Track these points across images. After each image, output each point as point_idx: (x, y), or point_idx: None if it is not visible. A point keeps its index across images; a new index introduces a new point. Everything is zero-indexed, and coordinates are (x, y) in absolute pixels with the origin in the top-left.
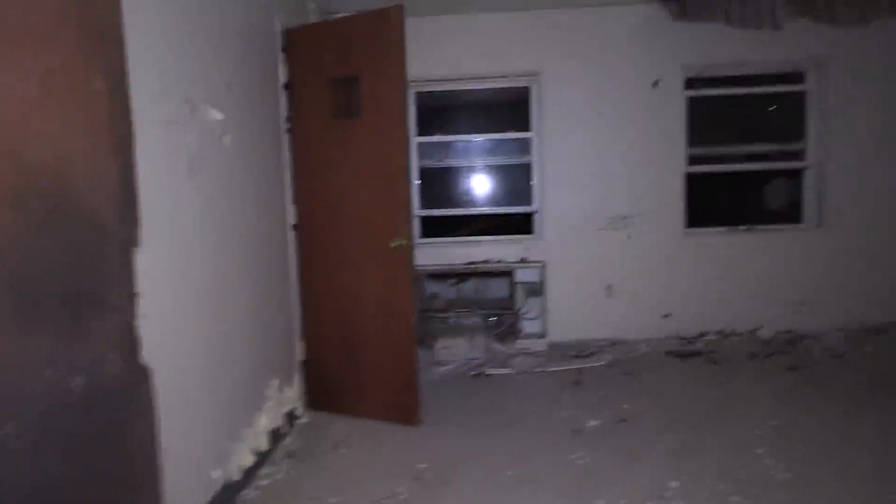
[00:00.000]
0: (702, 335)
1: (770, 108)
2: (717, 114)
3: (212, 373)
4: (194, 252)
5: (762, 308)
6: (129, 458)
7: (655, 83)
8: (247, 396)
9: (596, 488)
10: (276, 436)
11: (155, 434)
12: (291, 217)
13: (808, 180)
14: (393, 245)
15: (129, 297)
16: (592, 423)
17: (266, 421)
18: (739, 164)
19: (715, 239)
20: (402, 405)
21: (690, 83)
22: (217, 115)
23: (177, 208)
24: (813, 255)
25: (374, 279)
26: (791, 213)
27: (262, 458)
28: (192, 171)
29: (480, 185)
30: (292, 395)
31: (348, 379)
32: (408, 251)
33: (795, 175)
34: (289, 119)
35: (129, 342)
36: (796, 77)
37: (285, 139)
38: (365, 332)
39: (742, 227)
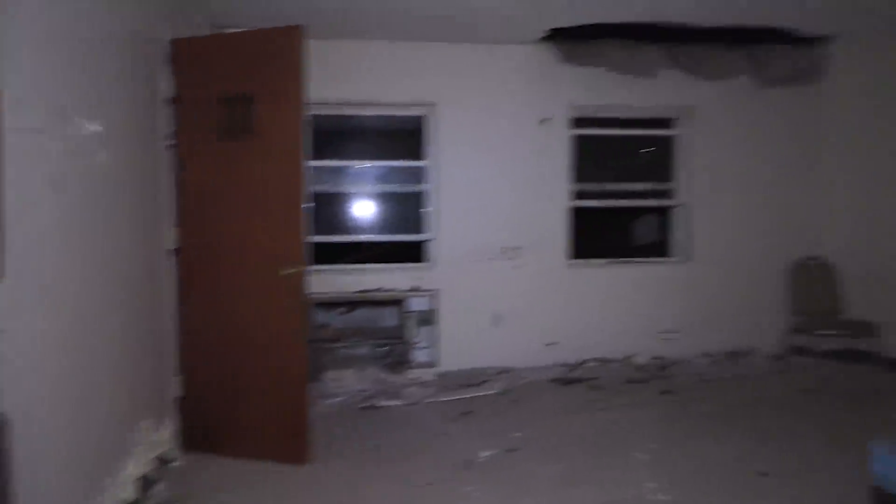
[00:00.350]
0: (583, 362)
1: (645, 150)
2: (598, 152)
3: (72, 417)
4: (56, 281)
5: (637, 336)
6: None
7: (544, 120)
8: (113, 441)
9: None
10: (146, 483)
11: (9, 492)
12: (170, 242)
13: (677, 218)
14: (286, 273)
15: None
16: (484, 454)
17: (135, 467)
18: (618, 201)
19: (595, 270)
20: (290, 443)
21: (576, 122)
22: (92, 127)
23: (38, 230)
24: (681, 287)
25: (263, 308)
26: (663, 248)
27: None
28: (58, 189)
29: (373, 212)
30: (165, 436)
31: (231, 416)
32: (301, 279)
33: (667, 212)
34: (172, 136)
35: None
36: (668, 122)
37: (166, 157)
38: (251, 365)
39: (619, 260)
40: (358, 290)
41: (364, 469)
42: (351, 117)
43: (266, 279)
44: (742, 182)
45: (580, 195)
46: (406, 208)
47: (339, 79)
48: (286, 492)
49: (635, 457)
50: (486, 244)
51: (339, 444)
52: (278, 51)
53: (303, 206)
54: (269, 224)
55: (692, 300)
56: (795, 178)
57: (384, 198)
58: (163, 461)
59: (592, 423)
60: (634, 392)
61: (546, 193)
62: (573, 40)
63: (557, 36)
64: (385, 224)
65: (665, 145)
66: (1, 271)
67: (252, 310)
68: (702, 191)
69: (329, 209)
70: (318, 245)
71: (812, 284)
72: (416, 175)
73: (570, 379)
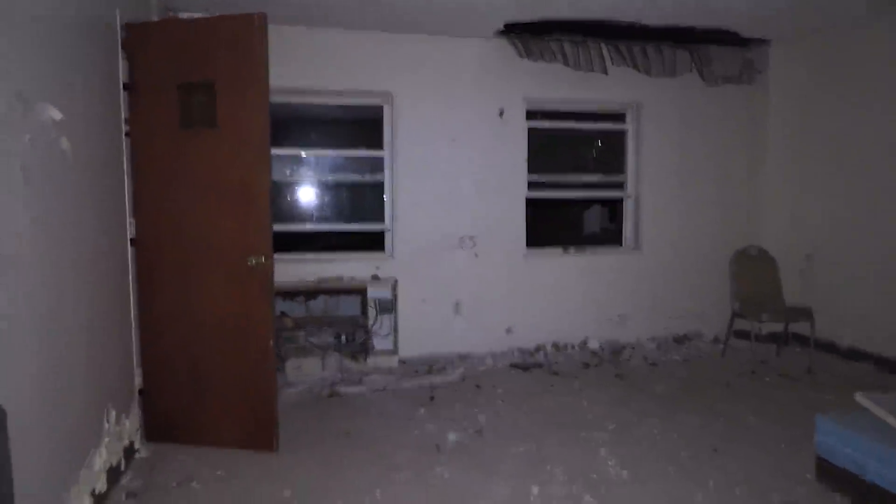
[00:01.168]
0: (540, 348)
1: (597, 143)
2: (553, 145)
3: (43, 406)
4: (24, 269)
5: (590, 321)
6: None
7: (501, 112)
8: (83, 431)
9: (463, 501)
10: (114, 474)
11: (10, 480)
12: (131, 231)
13: (627, 208)
14: (251, 262)
15: None
16: (452, 437)
17: (104, 458)
18: (572, 191)
19: (551, 259)
20: (257, 431)
21: (531, 115)
22: (56, 115)
23: (13, 222)
24: (630, 274)
25: (227, 298)
26: (614, 238)
27: (100, 500)
28: (26, 179)
29: (332, 201)
30: (130, 427)
31: (195, 406)
32: (267, 269)
33: (619, 202)
34: (128, 123)
35: None
36: (620, 117)
37: (125, 145)
38: (215, 355)
39: (572, 249)
40: (317, 278)
41: (334, 455)
42: (308, 106)
43: (232, 269)
44: (688, 175)
45: (536, 186)
46: (365, 198)
47: (296, 66)
48: (258, 479)
49: (595, 436)
50: (445, 233)
51: (306, 432)
52: (240, 38)
53: (268, 195)
54: (235, 214)
55: (641, 287)
56: (737, 172)
57: (342, 187)
58: (128, 452)
59: (553, 406)
60: (590, 376)
61: (503, 184)
62: (528, 35)
63: (513, 30)
64: (344, 213)
65: (617, 138)
66: None
67: (216, 300)
68: (650, 183)
69: (286, 198)
70: (277, 234)
71: (752, 272)
72: (375, 165)
73: (529, 364)
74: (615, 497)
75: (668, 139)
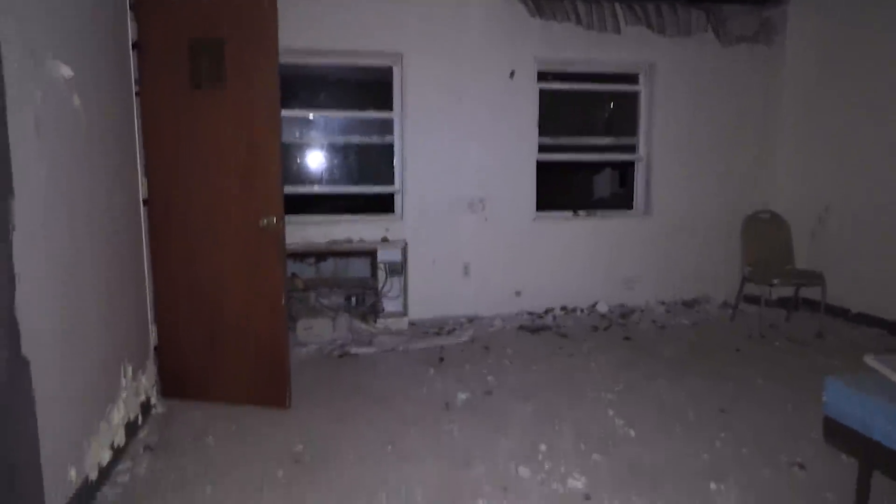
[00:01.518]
0: (549, 311)
1: (609, 106)
2: (564, 107)
3: (64, 360)
4: (41, 225)
5: (599, 285)
6: (15, 449)
7: (512, 73)
8: (101, 386)
9: (473, 456)
10: (131, 428)
11: (35, 425)
12: (143, 191)
13: (638, 171)
14: (263, 223)
15: (10, 280)
16: (461, 396)
17: (122, 412)
18: (583, 154)
19: (560, 222)
20: (270, 388)
21: (542, 76)
22: (67, 72)
23: (21, 175)
24: (640, 238)
25: (240, 259)
26: (624, 201)
27: (118, 453)
28: (39, 133)
29: (341, 163)
30: (146, 383)
31: (209, 363)
32: (278, 230)
33: (630, 166)
34: (138, 83)
35: (12, 330)
36: (632, 78)
37: (135, 105)
38: (229, 313)
39: (583, 212)
40: (328, 240)
41: (345, 412)
42: (317, 67)
43: (243, 229)
44: (700, 138)
45: (546, 148)
46: (374, 160)
47: (305, 27)
48: (270, 434)
49: (603, 396)
50: (455, 196)
51: (319, 389)
52: None
53: (279, 156)
54: (246, 174)
55: (651, 251)
56: (751, 134)
57: (351, 150)
58: (145, 407)
59: (561, 368)
60: (598, 338)
61: (513, 146)
62: None
63: None
64: (353, 176)
65: (629, 101)
66: (13, 222)
67: (228, 259)
68: (662, 146)
69: (296, 161)
70: (287, 196)
71: (763, 237)
72: (385, 127)
73: (538, 326)
74: (622, 454)
75: (681, 101)
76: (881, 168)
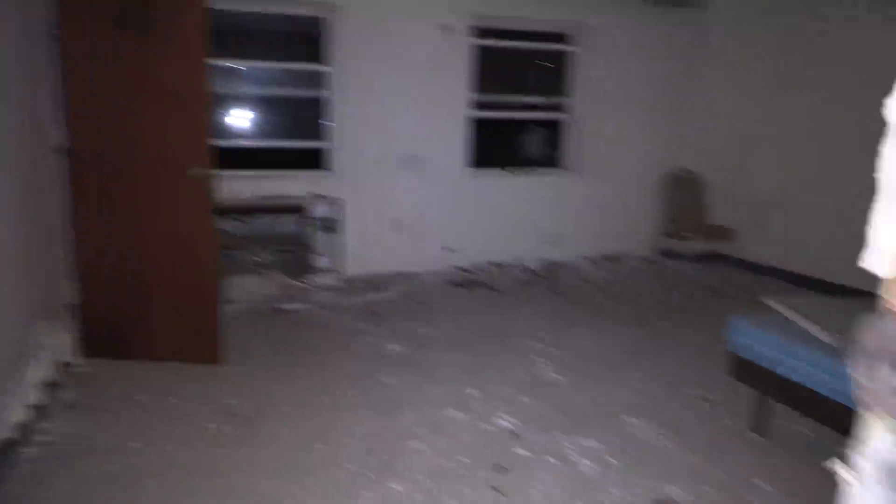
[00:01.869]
0: (479, 266)
1: (542, 65)
2: (498, 65)
3: None
4: None
5: (529, 241)
6: None
7: (447, 29)
8: (14, 345)
9: (406, 404)
10: (52, 388)
11: None
12: (60, 139)
13: (568, 131)
14: (192, 174)
15: None
16: (394, 347)
17: (40, 371)
18: (516, 113)
19: (491, 180)
20: (201, 344)
21: (477, 32)
22: None
23: None
24: (568, 196)
25: (168, 211)
26: (553, 160)
27: (39, 413)
28: None
29: (274, 117)
30: (66, 341)
31: (137, 321)
32: (208, 179)
33: (559, 125)
34: (57, 24)
35: None
36: (565, 38)
37: (50, 47)
38: (157, 269)
39: (514, 170)
40: (259, 196)
41: (279, 366)
42: (250, 15)
43: (173, 180)
44: (629, 98)
45: (481, 106)
46: (308, 115)
47: None
48: (203, 389)
49: (531, 345)
50: (388, 152)
51: (252, 346)
52: None
53: (209, 103)
54: (174, 122)
55: (579, 209)
56: (673, 96)
57: (284, 103)
58: (66, 366)
59: (491, 320)
60: (526, 292)
61: (447, 102)
62: None
63: None
64: (286, 130)
65: (562, 60)
66: None
67: (159, 212)
68: (591, 106)
69: (227, 113)
70: (217, 150)
71: (682, 195)
72: (318, 81)
73: (469, 282)
74: (548, 397)
75: (612, 62)
76: (794, 134)
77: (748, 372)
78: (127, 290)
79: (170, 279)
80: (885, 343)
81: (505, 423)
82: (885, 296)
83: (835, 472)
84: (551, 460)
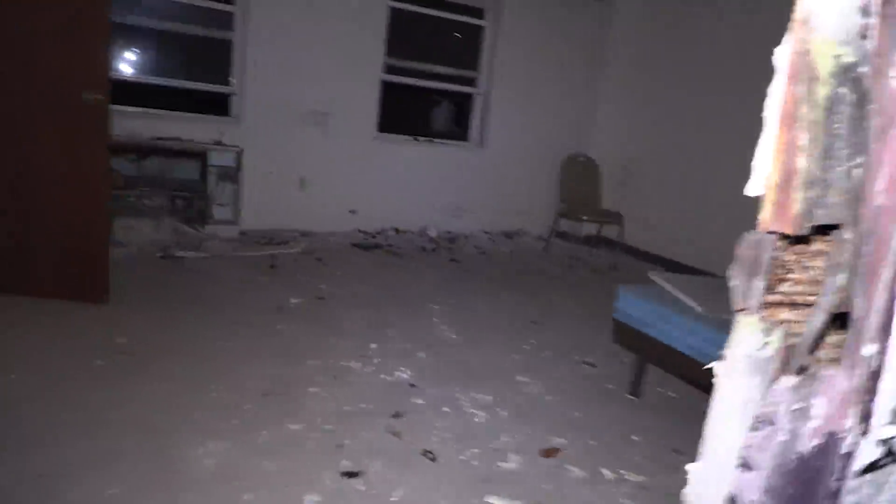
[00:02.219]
0: (382, 231)
1: (455, 37)
2: (412, 31)
3: None
4: None
5: (431, 210)
6: None
7: None
8: None
9: (307, 351)
10: None
11: None
12: None
13: (476, 104)
14: (86, 98)
15: None
16: (294, 300)
17: None
18: (428, 81)
19: (399, 146)
20: (87, 281)
21: None
22: None
23: None
24: (472, 170)
25: (56, 137)
26: (460, 132)
27: None
28: None
29: (174, 54)
30: None
31: (17, 254)
32: (103, 107)
33: (469, 99)
34: None
35: None
36: (479, 12)
37: None
38: (43, 201)
39: (421, 139)
40: (153, 136)
41: (171, 311)
42: None
43: (63, 105)
44: (536, 79)
45: (391, 70)
46: (210, 56)
47: None
48: (90, 327)
49: (430, 308)
50: (296, 106)
51: (141, 290)
52: None
53: (105, 23)
54: (66, 40)
55: (481, 183)
56: (578, 82)
57: (187, 40)
58: None
59: (391, 282)
60: (427, 258)
61: (360, 62)
62: None
63: None
64: (186, 70)
65: (475, 34)
66: None
67: (46, 138)
68: (500, 82)
69: (124, 44)
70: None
71: (578, 178)
72: (224, 21)
73: (370, 244)
74: (445, 354)
75: (523, 40)
76: (684, 129)
77: (629, 336)
78: (11, 224)
79: (55, 211)
80: (757, 256)
81: (404, 376)
82: (760, 214)
83: (714, 371)
84: (446, 409)
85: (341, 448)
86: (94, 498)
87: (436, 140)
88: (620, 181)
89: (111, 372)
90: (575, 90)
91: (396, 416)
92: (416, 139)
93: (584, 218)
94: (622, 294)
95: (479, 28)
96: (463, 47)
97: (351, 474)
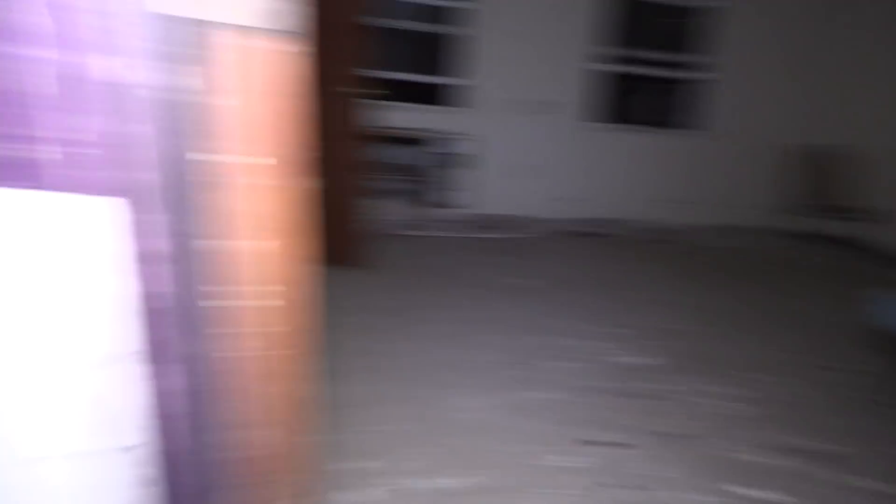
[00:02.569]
0: (601, 219)
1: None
2: (634, 16)
3: None
4: None
5: (650, 201)
6: None
7: None
8: None
9: (526, 329)
10: None
11: None
12: None
13: (703, 91)
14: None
15: None
16: (533, 282)
17: None
18: (648, 68)
19: (620, 135)
20: (356, 251)
21: None
22: None
23: None
24: (697, 159)
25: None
26: (684, 119)
27: None
28: None
29: (412, 50)
30: None
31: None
32: (363, 102)
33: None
34: None
35: None
36: None
37: None
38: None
39: (645, 127)
40: (400, 126)
41: (410, 278)
42: None
43: (338, 102)
44: (774, 61)
45: (614, 60)
46: (442, 52)
47: None
48: (347, 287)
49: (647, 297)
50: (527, 96)
51: (386, 258)
52: None
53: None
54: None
55: (704, 173)
56: (822, 65)
57: (416, 36)
58: None
59: (609, 271)
60: (646, 250)
61: (579, 53)
62: None
63: None
64: (413, 65)
65: (694, 16)
66: None
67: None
68: (732, 65)
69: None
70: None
71: (817, 170)
72: (450, 19)
73: (588, 232)
74: (677, 346)
75: (770, 21)
76: None
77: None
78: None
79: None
80: None
81: (631, 361)
82: None
83: None
84: (688, 398)
85: (584, 421)
86: (368, 428)
87: (662, 130)
88: (886, 174)
89: (389, 329)
90: (820, 74)
91: (621, 393)
92: (638, 127)
93: (825, 214)
94: (878, 300)
95: (713, 10)
96: (679, 30)
97: (588, 442)
